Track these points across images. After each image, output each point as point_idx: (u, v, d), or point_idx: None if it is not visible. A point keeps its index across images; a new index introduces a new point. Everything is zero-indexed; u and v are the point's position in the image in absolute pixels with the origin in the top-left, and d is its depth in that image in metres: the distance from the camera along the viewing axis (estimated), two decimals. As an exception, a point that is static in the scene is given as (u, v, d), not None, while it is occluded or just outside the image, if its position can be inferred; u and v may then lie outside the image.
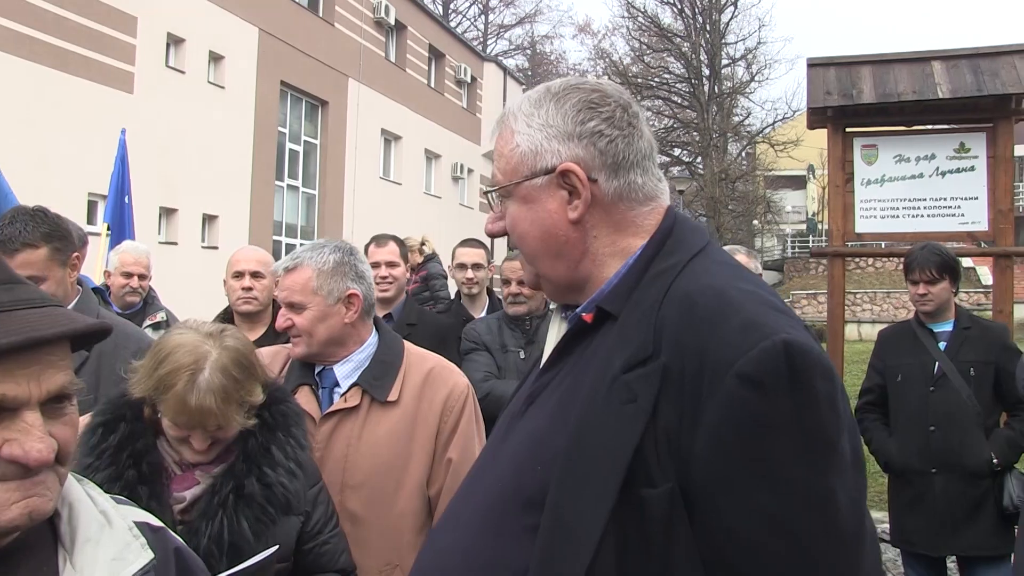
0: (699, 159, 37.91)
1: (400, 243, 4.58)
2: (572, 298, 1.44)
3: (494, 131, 1.45)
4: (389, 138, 28.67)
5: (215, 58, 19.86)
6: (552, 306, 3.17)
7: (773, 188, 40.35)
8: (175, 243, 18.42)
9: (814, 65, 7.26)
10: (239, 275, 3.95)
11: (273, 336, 3.75)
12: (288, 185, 23.77)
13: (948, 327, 4.34)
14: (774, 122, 37.10)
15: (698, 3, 37.89)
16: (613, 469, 1.13)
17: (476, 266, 4.95)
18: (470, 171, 34.09)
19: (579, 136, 1.36)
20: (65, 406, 1.15)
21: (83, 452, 2.03)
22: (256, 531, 2.07)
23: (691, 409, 1.12)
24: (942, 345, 4.32)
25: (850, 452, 1.14)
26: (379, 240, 4.49)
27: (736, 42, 38.24)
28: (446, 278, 6.93)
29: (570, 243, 1.37)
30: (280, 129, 22.87)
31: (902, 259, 4.60)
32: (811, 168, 41.01)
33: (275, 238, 22.80)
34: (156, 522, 1.36)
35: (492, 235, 1.50)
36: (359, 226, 25.54)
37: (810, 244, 38.34)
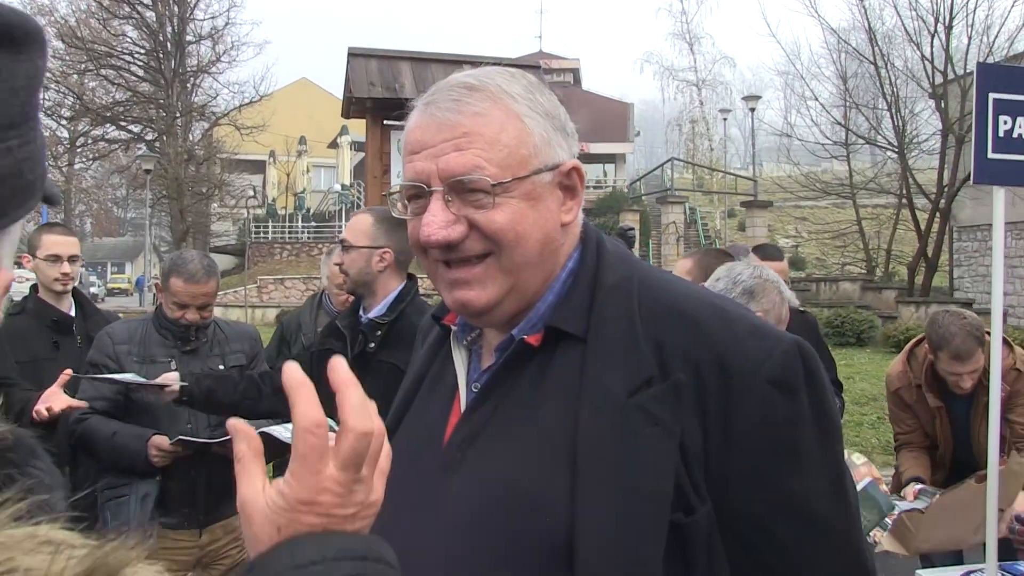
0: (162, 138, 35.68)
1: None
2: (508, 319, 1.26)
3: (459, 105, 1.18)
4: None
5: None
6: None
7: (237, 172, 39.62)
8: None
9: (356, 55, 7.40)
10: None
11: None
12: None
13: None
14: (240, 105, 36.46)
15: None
16: (657, 500, 1.08)
17: (73, 258, 3.94)
18: None
19: (568, 132, 1.27)
20: None
21: None
22: None
23: (718, 421, 1.12)
24: None
25: None
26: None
27: (204, 19, 36.98)
28: None
29: (558, 251, 1.25)
30: None
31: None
32: (272, 154, 41.31)
33: None
34: None
35: (446, 243, 1.19)
36: None
37: (270, 229, 38.26)
